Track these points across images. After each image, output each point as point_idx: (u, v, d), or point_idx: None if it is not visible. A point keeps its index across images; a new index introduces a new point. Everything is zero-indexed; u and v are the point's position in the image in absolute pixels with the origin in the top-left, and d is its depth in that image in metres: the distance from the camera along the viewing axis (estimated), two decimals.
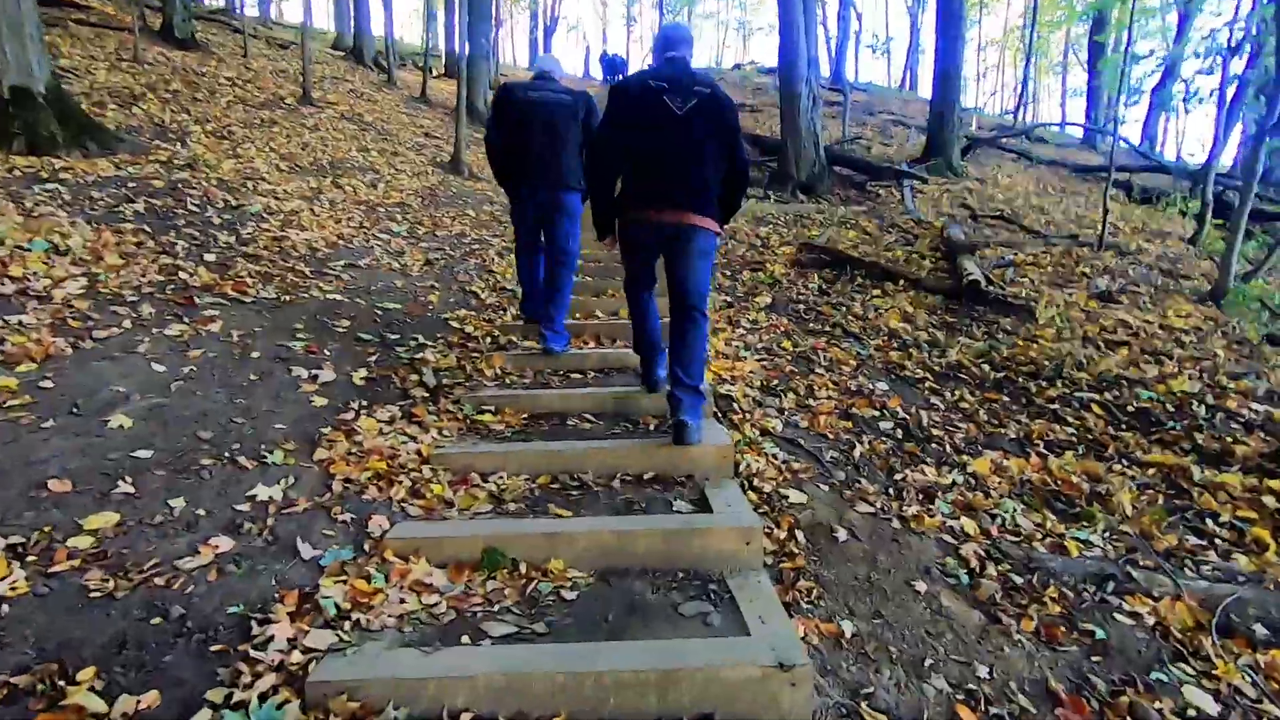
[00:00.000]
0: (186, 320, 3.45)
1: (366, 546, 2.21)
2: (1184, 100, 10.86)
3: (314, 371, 3.23)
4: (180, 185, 5.65)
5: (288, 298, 4.10)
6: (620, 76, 22.59)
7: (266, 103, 9.45)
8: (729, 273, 6.35)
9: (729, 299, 5.51)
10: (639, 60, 31.18)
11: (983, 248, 7.33)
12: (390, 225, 6.26)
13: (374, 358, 3.56)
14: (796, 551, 2.41)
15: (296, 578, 2.04)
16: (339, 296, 4.30)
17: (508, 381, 3.61)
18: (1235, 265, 6.46)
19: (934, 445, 3.45)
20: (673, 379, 2.83)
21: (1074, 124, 17.88)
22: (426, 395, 3.30)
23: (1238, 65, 12.02)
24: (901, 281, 6.03)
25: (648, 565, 2.22)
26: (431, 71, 19.86)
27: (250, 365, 3.17)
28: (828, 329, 4.99)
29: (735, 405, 3.51)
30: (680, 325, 2.85)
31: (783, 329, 4.91)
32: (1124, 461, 3.47)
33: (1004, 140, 13.80)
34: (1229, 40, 9.90)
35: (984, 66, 34.11)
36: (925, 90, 26.07)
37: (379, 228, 6.09)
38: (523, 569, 2.18)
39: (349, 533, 2.27)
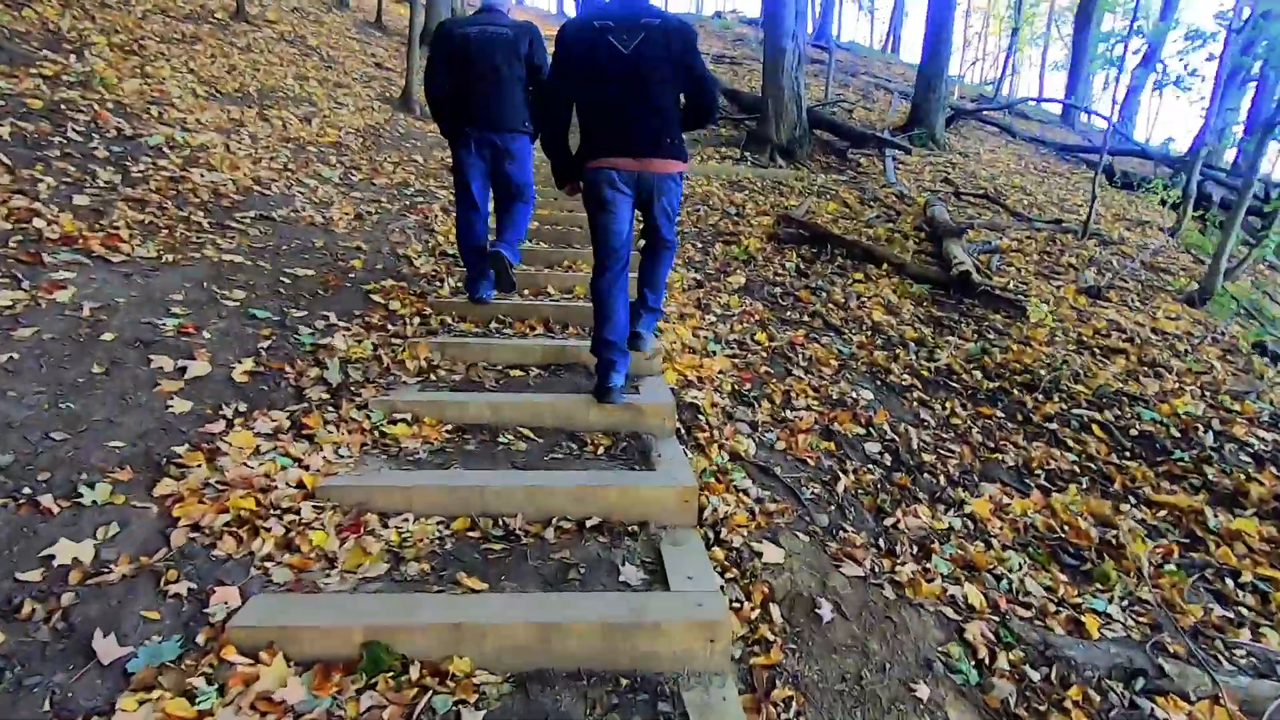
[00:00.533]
0: (26, 285, 2.71)
1: (201, 638, 1.62)
2: (1175, 84, 10.42)
3: (182, 363, 2.55)
4: (64, 106, 4.73)
5: (173, 257, 3.35)
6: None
7: (192, 15, 8.29)
8: (700, 244, 5.73)
9: (699, 277, 4.91)
10: None
11: (967, 230, 6.85)
12: (320, 169, 5.43)
13: (268, 343, 2.88)
14: (771, 638, 1.90)
15: (85, 695, 1.44)
16: (239, 258, 3.56)
17: (433, 378, 2.98)
18: (1224, 267, 6.09)
19: (926, 475, 2.98)
20: (638, 298, 2.90)
21: (1051, 100, 17.39)
22: (327, 397, 2.66)
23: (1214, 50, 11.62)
24: (885, 265, 5.51)
25: (582, 666, 1.69)
26: None
27: (96, 351, 2.47)
28: (806, 319, 4.45)
29: (702, 418, 2.96)
30: (653, 255, 2.87)
31: (758, 317, 4.35)
32: (1132, 499, 3.06)
33: (986, 113, 13.25)
34: (1231, 23, 9.45)
35: (969, 34, 33.29)
36: (908, 54, 25.28)
37: (306, 171, 5.27)
38: (414, 672, 1.62)
39: (179, 615, 1.67)
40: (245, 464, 2.15)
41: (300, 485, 2.13)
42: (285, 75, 7.56)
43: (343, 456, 2.35)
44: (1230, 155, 14.59)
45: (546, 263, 4.62)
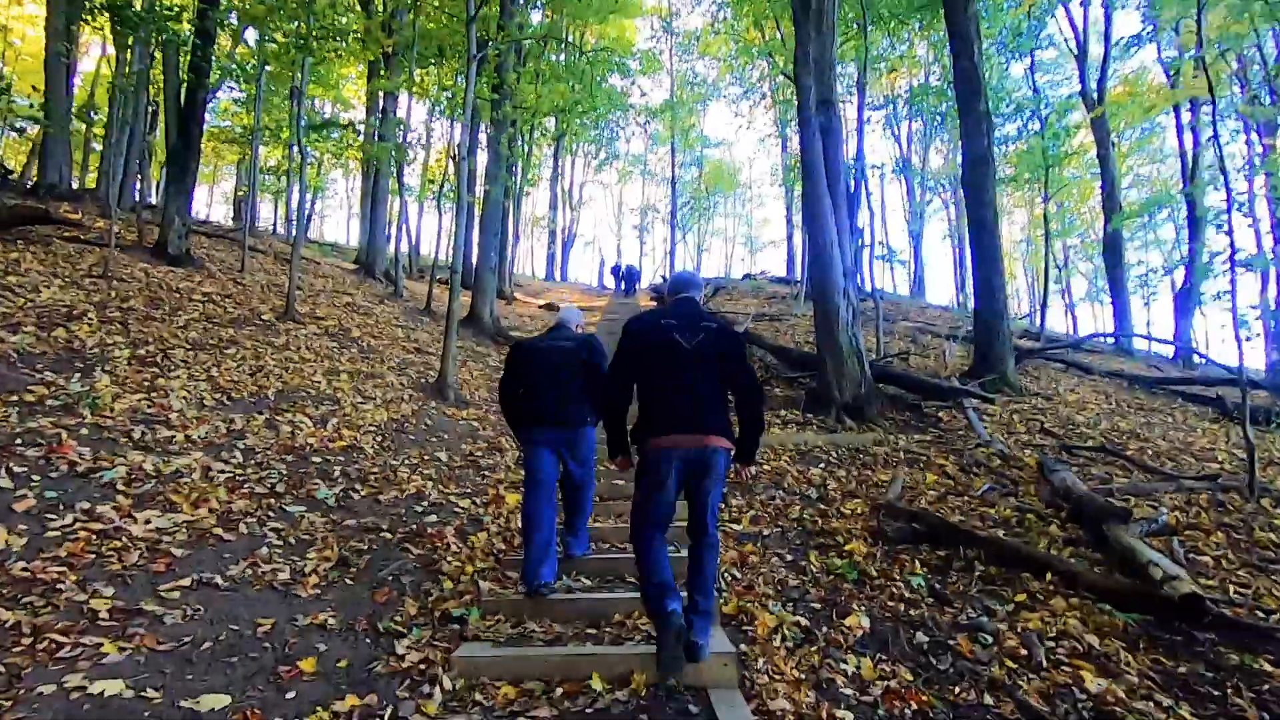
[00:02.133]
0: None
1: None
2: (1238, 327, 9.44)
3: None
4: (20, 439, 3.90)
5: None
6: (633, 287, 22.30)
7: (238, 319, 8.15)
8: (789, 554, 4.31)
9: (804, 620, 3.40)
10: (650, 271, 31.60)
11: (1128, 510, 5.32)
12: (317, 486, 4.38)
13: None
14: None
15: None
16: (116, 686, 2.25)
17: None
18: None
19: None
20: (690, 604, 2.75)
21: (1136, 335, 16.53)
22: None
23: None
24: (1049, 575, 3.94)
25: None
26: (446, 284, 19.57)
27: None
28: (989, 699, 2.83)
29: None
30: (698, 552, 2.83)
31: (914, 703, 2.76)
32: None
33: (1050, 352, 12.34)
34: None
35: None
36: (933, 297, 25.73)
37: (296, 494, 4.22)
38: None
39: None
40: None
41: None
42: (315, 372, 7.03)
43: None
44: None
45: (587, 619, 3.21)
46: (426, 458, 5.55)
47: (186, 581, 2.99)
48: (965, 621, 3.46)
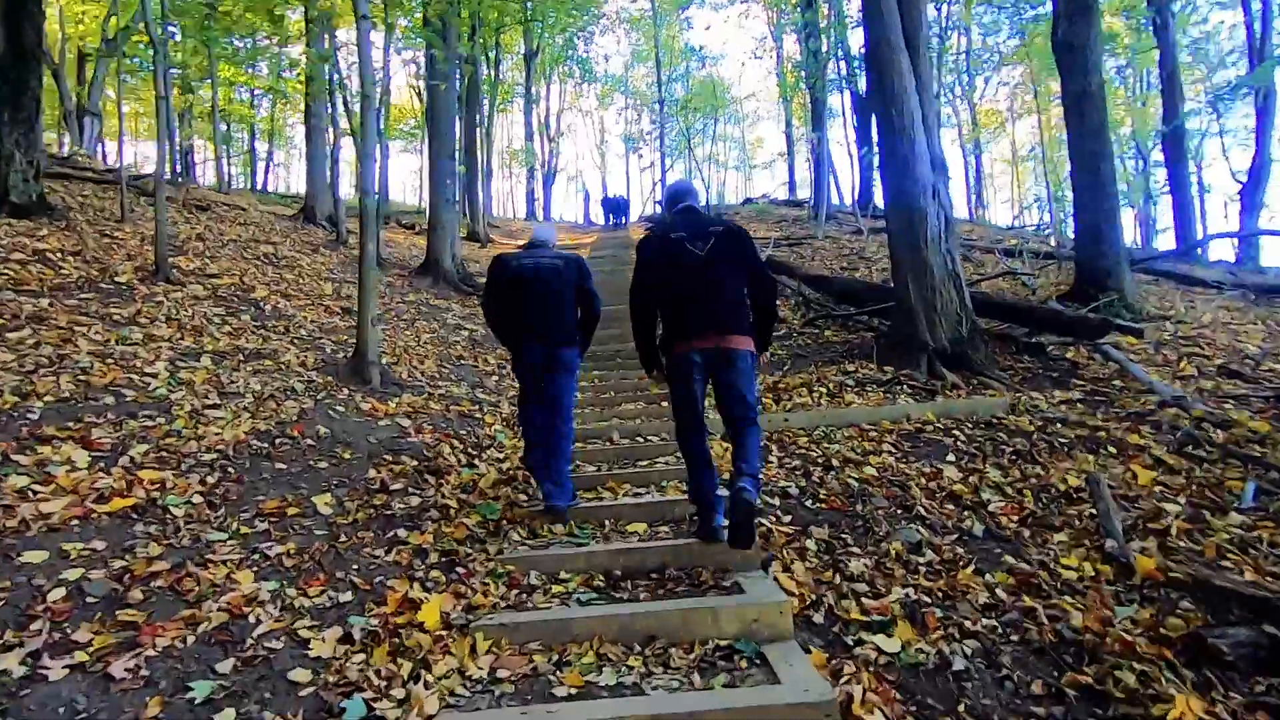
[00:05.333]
0: None
1: None
2: None
3: None
4: None
5: None
6: (623, 219, 19.45)
7: (71, 284, 5.46)
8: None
9: None
10: (639, 200, 28.22)
11: None
12: None
13: None
14: None
15: None
16: None
17: None
18: None
19: None
20: (736, 471, 2.69)
21: (1205, 238, 13.95)
22: None
23: None
24: None
25: None
26: (414, 228, 16.77)
27: None
28: None
29: None
30: (738, 433, 2.80)
31: None
32: None
33: (1146, 263, 9.75)
34: None
35: (999, 182, 31.42)
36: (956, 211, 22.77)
37: None
38: None
39: None
40: None
41: None
42: (157, 358, 4.40)
43: None
44: None
45: None
46: (291, 511, 3.01)
47: None
48: None
